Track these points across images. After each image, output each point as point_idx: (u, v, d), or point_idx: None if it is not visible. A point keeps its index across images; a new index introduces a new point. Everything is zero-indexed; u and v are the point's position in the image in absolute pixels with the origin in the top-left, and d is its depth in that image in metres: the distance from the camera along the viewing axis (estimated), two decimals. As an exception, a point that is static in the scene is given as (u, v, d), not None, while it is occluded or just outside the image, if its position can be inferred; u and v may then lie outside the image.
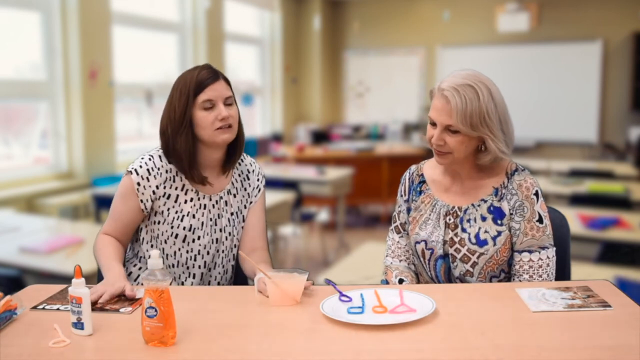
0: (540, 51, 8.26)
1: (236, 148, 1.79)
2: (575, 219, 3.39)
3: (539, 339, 1.23)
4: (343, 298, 1.47)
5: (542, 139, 8.38)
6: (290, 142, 8.45)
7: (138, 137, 6.26)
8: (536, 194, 1.65)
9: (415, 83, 9.10)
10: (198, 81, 1.67)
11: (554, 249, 1.66)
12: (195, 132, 1.70)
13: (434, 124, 1.62)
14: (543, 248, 1.64)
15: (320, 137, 8.55)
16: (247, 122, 8.19)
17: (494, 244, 1.64)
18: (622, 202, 4.11)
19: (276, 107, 8.80)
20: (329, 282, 1.56)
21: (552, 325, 1.30)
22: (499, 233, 1.64)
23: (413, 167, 1.83)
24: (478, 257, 1.64)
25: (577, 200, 4.19)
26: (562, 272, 1.82)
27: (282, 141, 8.32)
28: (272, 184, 5.25)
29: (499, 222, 1.65)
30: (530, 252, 1.64)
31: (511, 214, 1.65)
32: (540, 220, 1.64)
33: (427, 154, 1.84)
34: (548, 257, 1.64)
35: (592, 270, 2.73)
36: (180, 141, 1.69)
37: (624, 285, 2.34)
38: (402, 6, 9.07)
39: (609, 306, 1.38)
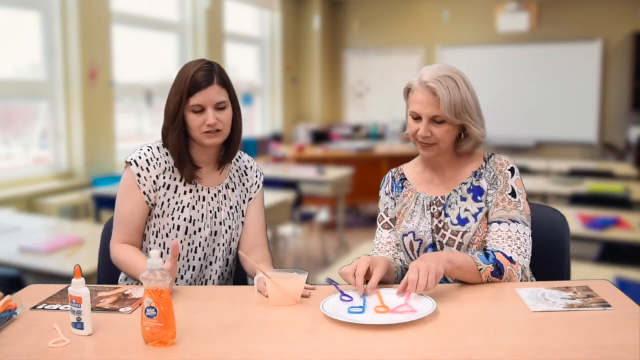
0: (540, 51, 8.26)
1: (230, 146, 1.80)
2: (575, 219, 3.39)
3: (539, 339, 1.23)
4: (344, 298, 1.47)
5: (542, 139, 8.38)
6: (290, 142, 8.45)
7: (138, 137, 6.25)
8: (512, 170, 1.70)
9: (415, 83, 9.09)
10: (192, 83, 1.67)
11: (528, 228, 1.65)
12: (187, 130, 1.72)
13: (417, 118, 1.66)
14: (514, 221, 1.64)
15: (320, 137, 8.55)
16: (247, 122, 8.20)
17: (476, 221, 1.67)
18: (622, 202, 4.11)
19: (276, 107, 8.80)
20: (330, 281, 1.57)
21: (552, 325, 1.30)
22: (480, 210, 1.68)
23: (393, 169, 1.88)
24: (462, 237, 1.66)
25: (577, 200, 4.19)
26: (562, 272, 1.83)
27: (282, 141, 8.32)
28: (272, 184, 5.25)
29: (479, 198, 1.69)
30: (499, 223, 1.65)
31: (488, 189, 1.69)
32: (513, 194, 1.67)
33: None
34: (519, 232, 1.63)
35: (592, 270, 2.73)
36: (172, 137, 1.72)
37: (624, 285, 2.34)
38: (402, 6, 9.07)
39: (609, 306, 1.38)
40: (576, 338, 1.23)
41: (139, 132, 6.36)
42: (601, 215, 3.52)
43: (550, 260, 1.81)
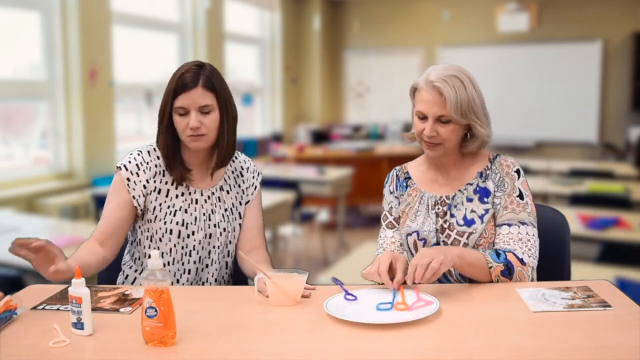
0: (540, 51, 8.26)
1: (220, 153, 1.74)
2: (575, 219, 3.39)
3: (539, 339, 1.23)
4: (348, 297, 1.47)
5: (542, 139, 8.38)
6: (290, 142, 8.45)
7: (138, 137, 6.26)
8: (517, 171, 1.71)
9: (415, 83, 9.08)
10: (177, 84, 1.66)
11: (535, 229, 1.66)
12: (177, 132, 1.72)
13: (423, 118, 1.66)
14: (523, 223, 1.64)
15: (320, 137, 8.55)
16: (247, 122, 8.20)
17: (482, 222, 1.66)
18: (622, 202, 4.11)
19: (276, 107, 8.80)
20: (335, 280, 1.56)
21: (552, 325, 1.30)
22: (486, 211, 1.67)
23: (397, 167, 1.87)
24: (468, 237, 1.66)
25: (577, 200, 4.19)
26: (562, 272, 1.82)
27: (282, 141, 8.32)
28: (272, 184, 5.25)
29: (485, 200, 1.69)
30: (509, 225, 1.64)
31: (495, 191, 1.69)
32: (520, 196, 1.67)
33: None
34: (528, 234, 1.64)
35: (592, 270, 2.73)
36: (161, 138, 1.73)
37: (624, 285, 2.34)
38: (402, 6, 9.07)
39: (609, 306, 1.38)
40: (576, 338, 1.23)
41: (139, 132, 6.36)
42: (601, 215, 3.52)
43: (550, 260, 1.80)
